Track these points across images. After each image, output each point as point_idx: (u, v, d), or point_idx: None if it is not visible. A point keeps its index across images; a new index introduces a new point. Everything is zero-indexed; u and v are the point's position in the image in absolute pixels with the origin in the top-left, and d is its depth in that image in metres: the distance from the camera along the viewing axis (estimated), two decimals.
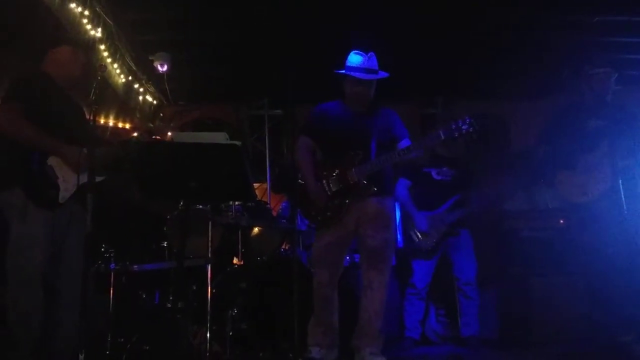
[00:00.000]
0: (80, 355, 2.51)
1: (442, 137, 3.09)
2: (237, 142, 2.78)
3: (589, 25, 4.59)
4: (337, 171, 3.26)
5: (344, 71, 3.30)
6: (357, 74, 3.25)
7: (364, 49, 3.32)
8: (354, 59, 3.29)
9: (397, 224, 4.21)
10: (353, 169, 3.22)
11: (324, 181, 3.30)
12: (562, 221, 4.50)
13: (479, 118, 3.04)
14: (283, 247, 4.31)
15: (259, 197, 4.93)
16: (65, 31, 3.87)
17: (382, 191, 3.27)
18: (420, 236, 4.19)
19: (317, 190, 3.26)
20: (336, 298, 3.30)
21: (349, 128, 3.31)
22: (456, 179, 4.28)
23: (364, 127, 3.31)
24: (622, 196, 3.16)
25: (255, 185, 5.22)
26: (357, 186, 3.21)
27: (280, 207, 5.02)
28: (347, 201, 3.23)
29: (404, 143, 3.29)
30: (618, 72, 4.24)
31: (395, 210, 3.41)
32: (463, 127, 3.03)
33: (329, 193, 3.27)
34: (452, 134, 3.07)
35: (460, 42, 4.86)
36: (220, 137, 2.82)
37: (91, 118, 2.83)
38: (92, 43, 4.27)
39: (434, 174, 4.28)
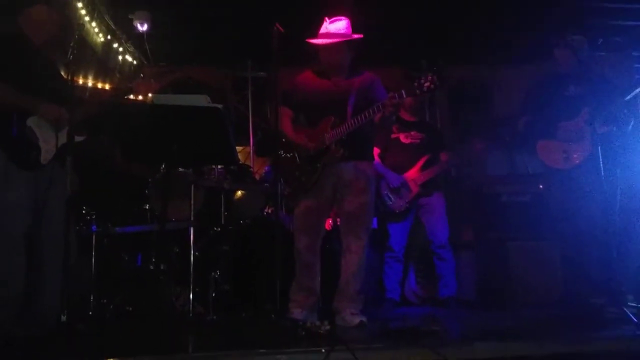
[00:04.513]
0: (62, 316, 2.53)
1: (404, 96, 3.13)
2: (219, 105, 2.75)
3: None
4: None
5: (312, 40, 3.32)
6: (316, 41, 3.29)
7: (347, 12, 3.34)
8: (322, 26, 3.32)
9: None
10: (325, 134, 3.25)
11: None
12: (541, 186, 4.57)
13: (440, 74, 3.07)
14: (265, 210, 4.33)
15: (242, 161, 4.91)
16: None
17: (358, 155, 3.31)
18: (392, 198, 4.27)
19: (303, 142, 3.30)
20: (318, 263, 3.34)
21: (324, 94, 3.34)
22: (425, 141, 4.39)
23: (339, 92, 3.32)
24: (601, 163, 3.20)
25: (238, 148, 5.20)
26: (328, 150, 3.25)
27: (264, 170, 5.02)
28: (318, 165, 3.26)
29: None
30: (602, 38, 4.24)
31: (373, 174, 3.44)
32: (425, 84, 3.07)
33: (302, 159, 3.31)
34: (413, 91, 3.10)
35: (445, 6, 4.81)
36: (201, 100, 2.78)
37: (69, 78, 2.77)
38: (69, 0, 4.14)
39: (402, 138, 4.38)
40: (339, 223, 3.79)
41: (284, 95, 3.51)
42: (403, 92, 3.11)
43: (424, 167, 4.31)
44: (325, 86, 3.37)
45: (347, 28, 3.31)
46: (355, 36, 3.31)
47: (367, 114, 3.17)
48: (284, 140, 3.40)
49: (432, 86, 3.07)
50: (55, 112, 2.81)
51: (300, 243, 3.29)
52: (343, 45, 3.30)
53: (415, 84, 3.10)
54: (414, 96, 3.21)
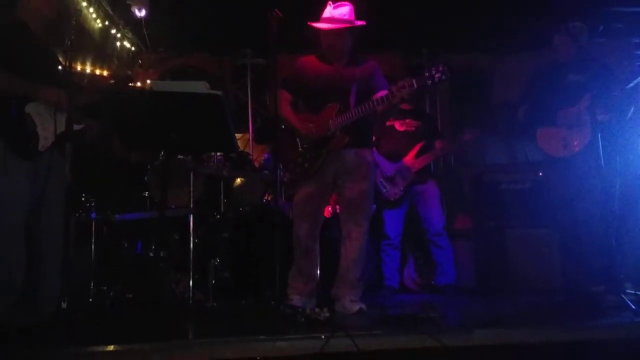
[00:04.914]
0: (62, 304, 2.53)
1: (415, 86, 3.09)
2: (218, 92, 2.74)
3: None
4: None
5: (315, 24, 3.28)
6: (319, 25, 3.26)
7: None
8: (325, 10, 3.29)
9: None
10: (330, 121, 3.23)
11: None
12: (541, 174, 4.58)
13: (447, 66, 3.06)
14: (265, 197, 4.34)
15: (241, 148, 4.90)
16: None
17: (360, 142, 3.30)
18: (387, 186, 4.27)
19: (305, 127, 3.28)
20: (317, 249, 3.35)
21: (326, 80, 3.31)
22: (420, 129, 4.39)
23: (341, 79, 3.30)
24: (601, 151, 3.19)
25: (238, 136, 5.19)
26: (333, 137, 3.24)
27: (263, 158, 5.02)
28: (322, 152, 3.25)
29: (381, 94, 3.26)
30: (603, 25, 4.21)
31: (373, 162, 3.44)
32: (436, 75, 3.06)
33: (305, 146, 3.29)
34: (425, 81, 3.08)
35: None
36: (200, 87, 2.76)
37: (67, 64, 2.75)
38: None
39: (397, 125, 4.38)
40: (338, 211, 3.80)
41: (285, 79, 3.49)
42: (414, 81, 3.09)
43: (418, 155, 4.32)
44: (328, 72, 3.34)
45: (350, 14, 3.28)
46: (359, 23, 3.28)
47: (375, 102, 3.15)
48: (283, 126, 3.39)
49: (443, 77, 3.07)
50: (55, 95, 2.79)
51: (300, 230, 3.30)
52: (345, 31, 3.28)
53: (427, 74, 3.08)
54: (425, 86, 3.16)
